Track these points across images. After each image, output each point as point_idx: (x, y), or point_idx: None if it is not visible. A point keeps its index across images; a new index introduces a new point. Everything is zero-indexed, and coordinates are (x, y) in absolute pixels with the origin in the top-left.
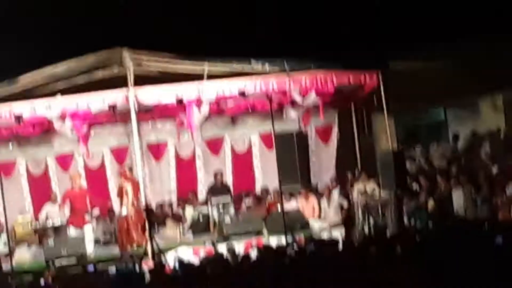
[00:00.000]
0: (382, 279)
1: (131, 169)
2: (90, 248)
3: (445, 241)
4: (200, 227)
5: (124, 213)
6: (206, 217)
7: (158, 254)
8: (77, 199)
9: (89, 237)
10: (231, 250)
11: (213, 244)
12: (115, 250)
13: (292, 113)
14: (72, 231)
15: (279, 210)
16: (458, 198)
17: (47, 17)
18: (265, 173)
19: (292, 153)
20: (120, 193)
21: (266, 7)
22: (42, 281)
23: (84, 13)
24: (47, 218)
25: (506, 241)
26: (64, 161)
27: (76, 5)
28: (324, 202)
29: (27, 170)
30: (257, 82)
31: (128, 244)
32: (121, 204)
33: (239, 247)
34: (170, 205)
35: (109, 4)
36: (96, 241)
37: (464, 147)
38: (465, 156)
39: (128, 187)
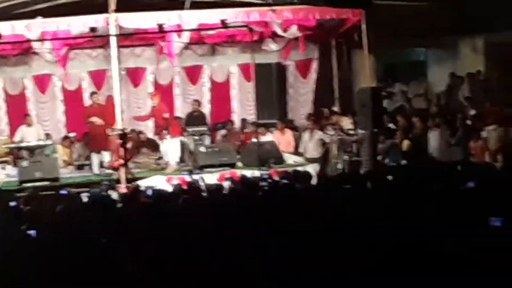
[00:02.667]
0: (352, 215)
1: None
2: (65, 171)
3: (416, 180)
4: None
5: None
6: (182, 146)
7: (131, 181)
8: None
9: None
10: (204, 180)
11: (190, 173)
12: (90, 174)
13: (272, 45)
14: None
15: (255, 142)
16: (434, 140)
17: None
18: (243, 105)
19: (270, 86)
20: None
21: None
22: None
23: None
24: (22, 139)
25: (478, 185)
26: (42, 83)
27: None
28: (305, 136)
29: (4, 90)
30: (239, 12)
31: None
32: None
33: (213, 177)
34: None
35: None
36: (71, 165)
37: (443, 89)
38: (443, 97)
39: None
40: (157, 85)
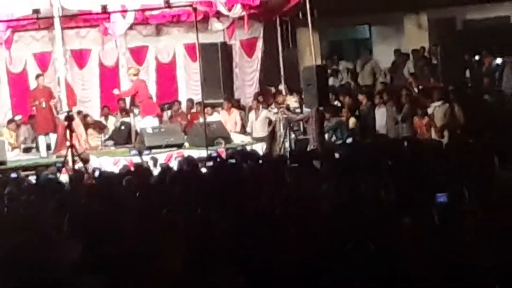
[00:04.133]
0: (299, 194)
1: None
2: (11, 154)
3: (362, 157)
4: (122, 137)
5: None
6: (128, 127)
7: (78, 163)
8: None
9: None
10: (152, 161)
11: (139, 153)
12: (36, 157)
13: (217, 25)
14: None
15: (202, 122)
16: (380, 117)
17: None
18: (188, 85)
19: (216, 66)
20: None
21: None
22: None
23: None
24: None
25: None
26: None
27: None
28: (251, 115)
29: None
30: None
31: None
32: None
33: (160, 158)
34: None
35: None
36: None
37: (388, 66)
38: (388, 74)
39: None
40: (102, 66)
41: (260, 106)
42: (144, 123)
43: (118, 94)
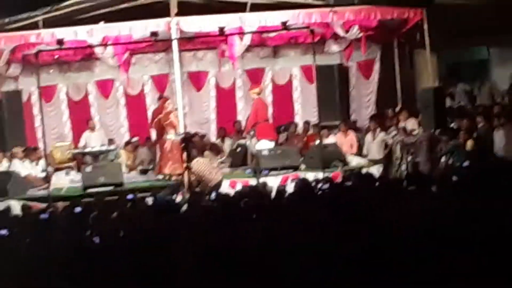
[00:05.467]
0: (417, 216)
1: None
2: (128, 176)
3: (482, 181)
4: (238, 159)
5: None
6: (244, 148)
7: (194, 185)
8: None
9: None
10: (268, 183)
11: (255, 175)
12: (153, 179)
13: (334, 47)
14: None
15: (318, 144)
16: (499, 139)
17: None
18: (305, 107)
19: (333, 88)
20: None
21: None
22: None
23: None
24: (85, 145)
25: None
26: (105, 88)
27: None
28: (368, 137)
29: (68, 96)
30: (300, 14)
31: (168, 173)
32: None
33: (276, 180)
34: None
35: None
36: (134, 169)
37: (506, 88)
38: (507, 95)
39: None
40: (219, 88)
41: (378, 129)
42: (259, 146)
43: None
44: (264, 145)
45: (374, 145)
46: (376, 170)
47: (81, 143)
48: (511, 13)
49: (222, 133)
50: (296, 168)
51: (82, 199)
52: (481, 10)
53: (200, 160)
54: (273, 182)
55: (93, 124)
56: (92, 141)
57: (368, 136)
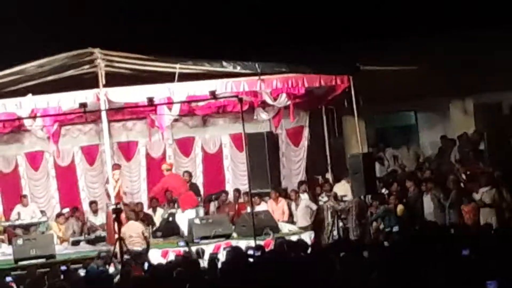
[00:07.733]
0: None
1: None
2: (60, 248)
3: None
4: (170, 228)
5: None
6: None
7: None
8: None
9: None
10: (201, 252)
11: (187, 244)
12: (85, 250)
13: (263, 115)
14: None
15: (249, 212)
16: (428, 203)
17: (20, 16)
18: (235, 175)
19: (263, 155)
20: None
21: (238, 10)
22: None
23: (57, 12)
24: (18, 217)
25: (473, 249)
26: (34, 160)
27: (48, 4)
28: (292, 205)
29: None
30: (228, 83)
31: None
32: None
33: (209, 248)
34: (139, 205)
35: (82, 4)
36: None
37: (434, 152)
38: (435, 160)
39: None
40: (149, 158)
41: (300, 196)
42: (185, 216)
43: (150, 192)
44: (190, 215)
45: (298, 212)
46: (308, 237)
47: (13, 216)
48: (437, 77)
49: (154, 203)
50: (228, 236)
51: (14, 271)
52: (407, 76)
53: (135, 224)
54: (205, 250)
55: (26, 201)
56: (24, 213)
57: (293, 203)
